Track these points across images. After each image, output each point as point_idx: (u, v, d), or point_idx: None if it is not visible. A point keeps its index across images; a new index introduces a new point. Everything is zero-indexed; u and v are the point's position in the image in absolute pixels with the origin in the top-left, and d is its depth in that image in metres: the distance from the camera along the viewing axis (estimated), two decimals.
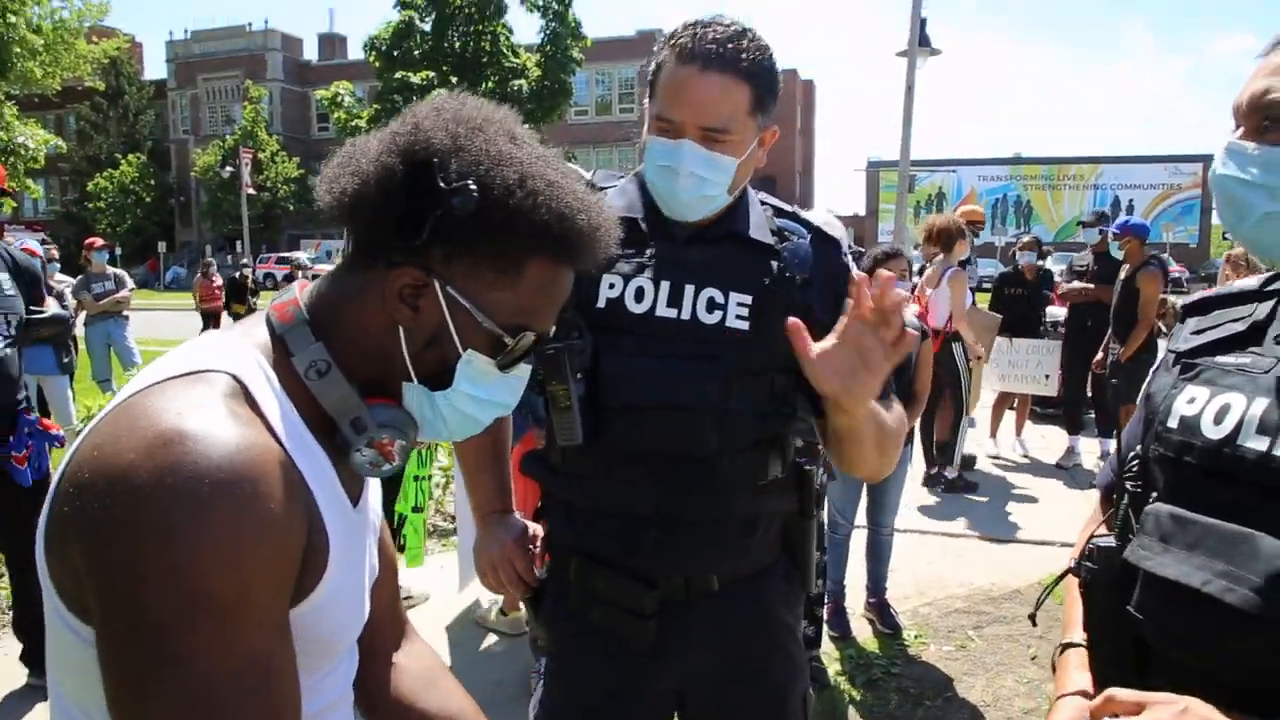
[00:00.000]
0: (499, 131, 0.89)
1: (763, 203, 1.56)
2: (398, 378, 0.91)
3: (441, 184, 0.83)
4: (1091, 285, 6.71)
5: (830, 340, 1.21)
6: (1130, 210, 32.92)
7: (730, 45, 1.35)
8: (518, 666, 3.55)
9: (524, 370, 0.96)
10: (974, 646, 3.83)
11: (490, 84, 20.75)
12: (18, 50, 11.96)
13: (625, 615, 1.45)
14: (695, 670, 1.51)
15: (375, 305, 0.88)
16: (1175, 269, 20.52)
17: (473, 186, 0.83)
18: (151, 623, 0.69)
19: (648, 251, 1.46)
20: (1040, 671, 3.56)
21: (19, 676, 3.36)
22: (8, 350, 3.08)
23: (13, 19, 11.86)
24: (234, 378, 0.81)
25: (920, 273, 6.94)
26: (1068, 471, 6.69)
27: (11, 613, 3.40)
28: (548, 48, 21.42)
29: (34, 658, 3.32)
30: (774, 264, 1.47)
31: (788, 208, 1.58)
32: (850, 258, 1.59)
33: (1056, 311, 7.71)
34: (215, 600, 0.70)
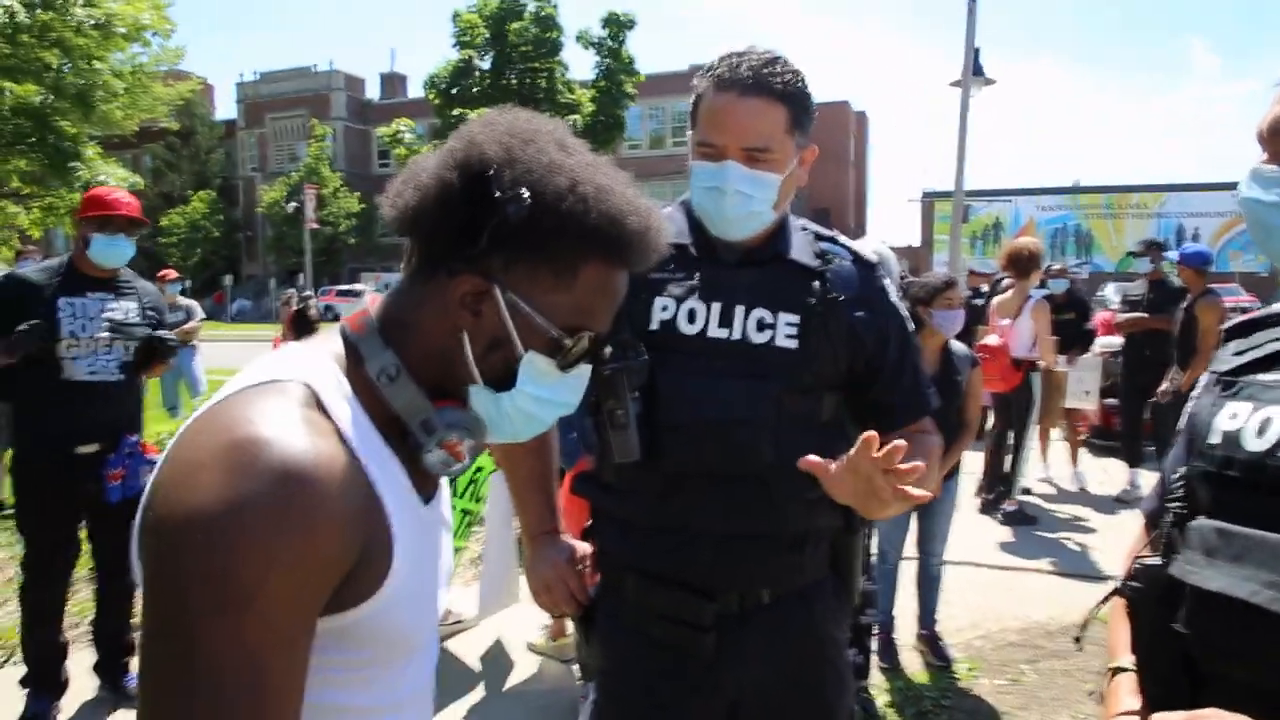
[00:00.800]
0: (549, 141, 0.93)
1: (803, 228, 1.61)
2: (463, 381, 0.94)
3: (497, 193, 0.87)
4: (1145, 315, 6.61)
5: (841, 464, 1.26)
6: (1195, 238, 32.00)
7: (765, 70, 1.43)
8: (566, 692, 3.57)
9: (584, 370, 0.99)
10: (1028, 681, 3.74)
11: None
12: (101, 94, 12.55)
13: (684, 629, 1.48)
14: (750, 683, 1.53)
15: (439, 313, 0.92)
16: (1245, 298, 19.85)
17: (525, 194, 0.87)
18: (173, 596, 0.73)
19: (697, 275, 1.51)
20: (1098, 708, 3.45)
21: (91, 688, 3.48)
22: (122, 376, 3.25)
23: (98, 65, 12.46)
24: (307, 386, 0.85)
25: (976, 301, 6.90)
26: (1127, 504, 6.50)
27: (91, 624, 3.54)
28: (602, 83, 21.79)
29: (107, 669, 3.46)
30: (817, 285, 1.51)
31: (826, 232, 1.63)
32: (887, 280, 1.63)
33: (1113, 341, 7.64)
34: (234, 588, 0.73)
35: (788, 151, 1.47)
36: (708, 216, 1.50)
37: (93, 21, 12.12)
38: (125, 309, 3.28)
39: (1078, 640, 1.35)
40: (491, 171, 0.88)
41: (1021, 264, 5.94)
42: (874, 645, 3.64)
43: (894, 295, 1.62)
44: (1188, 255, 6.28)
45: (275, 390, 0.84)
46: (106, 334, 3.18)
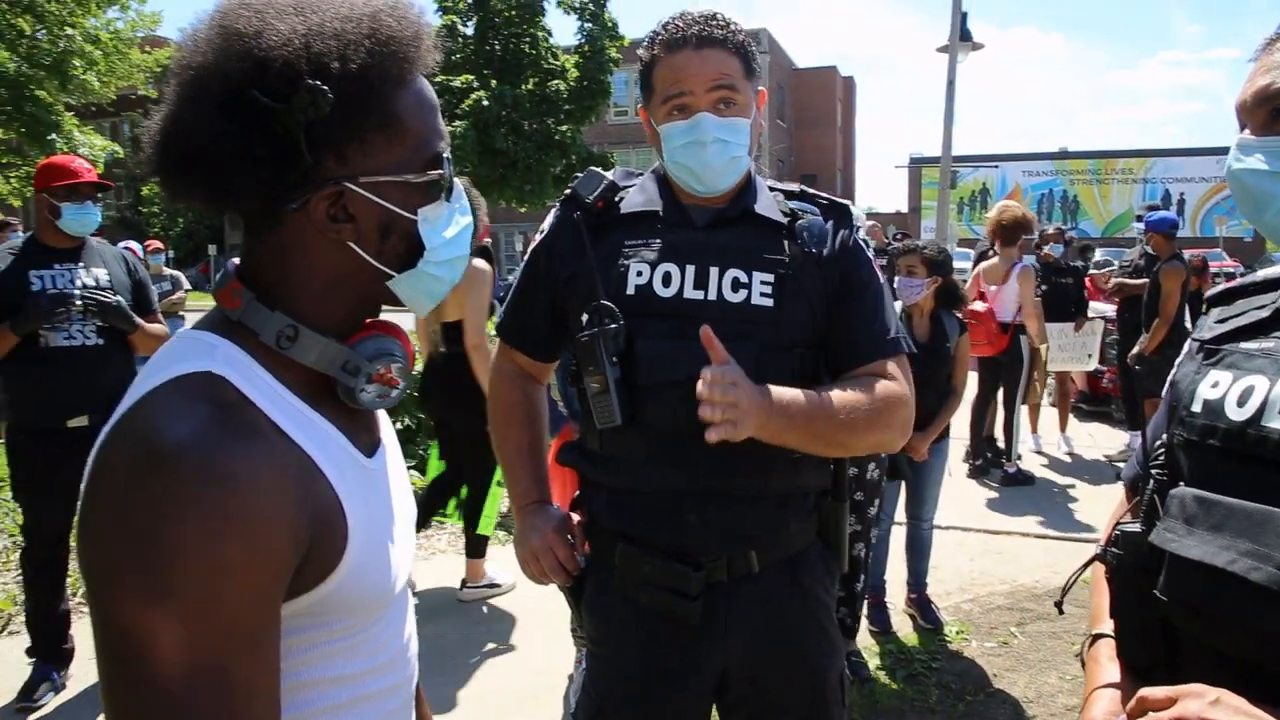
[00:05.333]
0: (275, 15, 0.82)
1: (771, 189, 1.62)
2: (379, 284, 0.91)
3: (286, 105, 0.79)
4: (1127, 281, 6.89)
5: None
6: (1181, 204, 32.14)
7: (711, 24, 1.49)
8: (558, 658, 3.62)
9: (457, 184, 0.96)
10: (1017, 643, 3.81)
11: (529, 86, 20.88)
12: (77, 62, 12.32)
13: (671, 596, 1.50)
14: (737, 649, 1.55)
15: (310, 247, 0.87)
16: (1229, 263, 19.96)
17: (319, 85, 0.79)
18: (119, 622, 0.71)
19: (670, 239, 1.52)
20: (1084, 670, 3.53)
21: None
22: (102, 341, 3.23)
23: (71, 31, 12.22)
24: (215, 374, 0.81)
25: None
26: (1114, 467, 6.59)
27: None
28: (585, 48, 21.47)
29: None
30: (788, 243, 1.53)
31: (795, 189, 1.65)
32: (861, 227, 1.65)
33: (1100, 307, 7.78)
34: (180, 605, 0.71)
35: (749, 95, 1.52)
36: (690, 173, 1.51)
37: None
38: (96, 276, 3.27)
39: (1059, 606, 1.36)
40: (258, 90, 0.79)
41: (1007, 232, 5.96)
42: (864, 608, 3.69)
43: (863, 239, 1.62)
44: (1153, 221, 6.46)
45: (184, 387, 0.79)
46: (80, 301, 3.16)
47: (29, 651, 3.36)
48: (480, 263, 3.83)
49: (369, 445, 0.96)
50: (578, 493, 1.71)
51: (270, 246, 0.89)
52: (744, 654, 1.55)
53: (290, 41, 0.80)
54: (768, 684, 1.58)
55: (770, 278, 1.50)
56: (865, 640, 3.73)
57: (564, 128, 21.16)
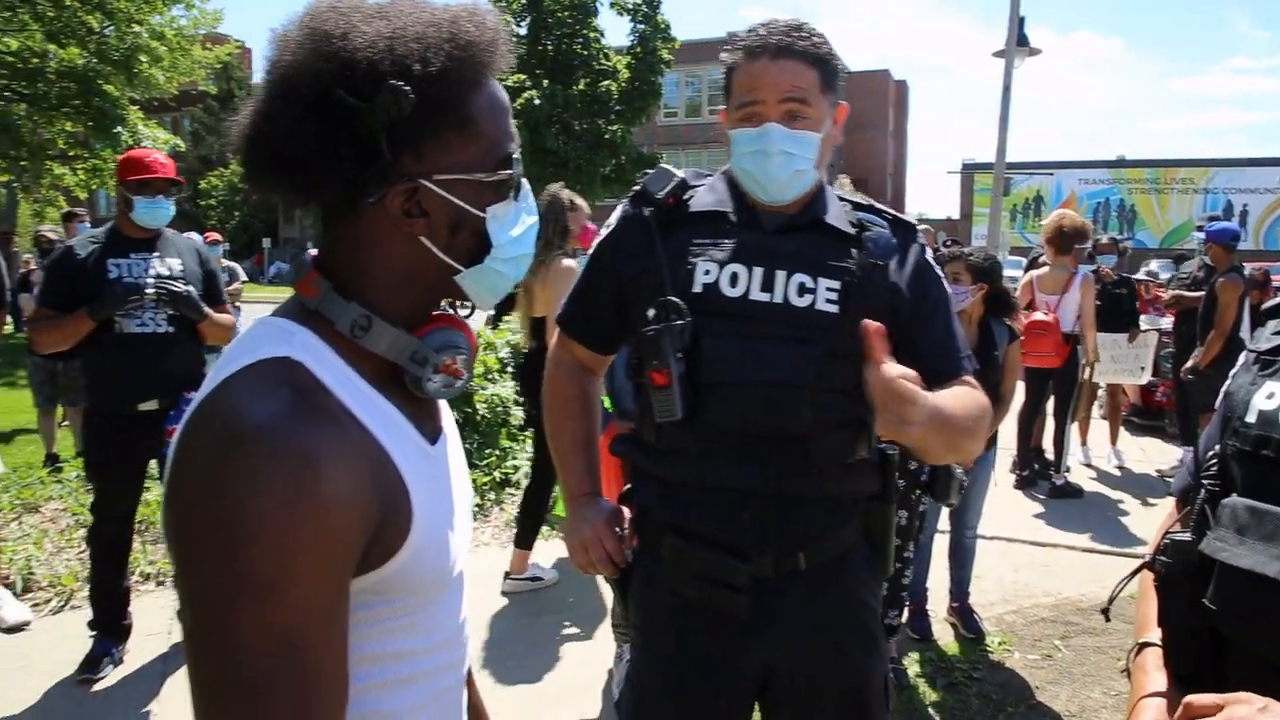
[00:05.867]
0: (360, 18, 0.86)
1: (841, 199, 1.64)
2: (446, 279, 0.95)
3: (370, 104, 0.82)
4: (1184, 293, 6.75)
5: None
6: (1244, 215, 31.25)
7: (793, 35, 1.49)
8: (600, 651, 3.66)
9: (524, 184, 0.99)
10: (1060, 656, 3.77)
11: (581, 86, 21.00)
12: (144, 58, 12.69)
13: (719, 589, 1.52)
14: (781, 647, 1.57)
15: (386, 240, 0.90)
16: None
17: (402, 86, 0.82)
18: (201, 596, 0.76)
19: (739, 241, 1.55)
20: (1129, 684, 3.47)
21: (155, 634, 3.68)
22: (172, 329, 3.36)
23: (138, 28, 12.59)
24: (293, 360, 0.84)
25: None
26: (1165, 483, 6.45)
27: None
28: (637, 50, 21.52)
29: None
30: (855, 251, 1.55)
31: (864, 201, 1.67)
32: (926, 243, 1.66)
33: (1156, 319, 7.65)
34: (258, 579, 0.74)
35: (823, 110, 1.52)
36: (755, 181, 1.53)
37: None
38: (170, 266, 3.40)
39: (1105, 613, 1.36)
40: (342, 90, 0.83)
41: (1065, 239, 5.84)
42: (904, 616, 3.68)
43: (930, 257, 1.64)
44: (1214, 231, 6.29)
45: (263, 372, 0.83)
46: (152, 290, 3.30)
47: (90, 625, 3.50)
48: (570, 261, 3.88)
49: (432, 433, 0.99)
50: (627, 486, 1.74)
51: (347, 240, 0.92)
52: (788, 651, 1.57)
53: (375, 44, 0.84)
54: (811, 683, 1.59)
55: (836, 285, 1.51)
56: (905, 647, 3.71)
57: (614, 128, 21.21)
